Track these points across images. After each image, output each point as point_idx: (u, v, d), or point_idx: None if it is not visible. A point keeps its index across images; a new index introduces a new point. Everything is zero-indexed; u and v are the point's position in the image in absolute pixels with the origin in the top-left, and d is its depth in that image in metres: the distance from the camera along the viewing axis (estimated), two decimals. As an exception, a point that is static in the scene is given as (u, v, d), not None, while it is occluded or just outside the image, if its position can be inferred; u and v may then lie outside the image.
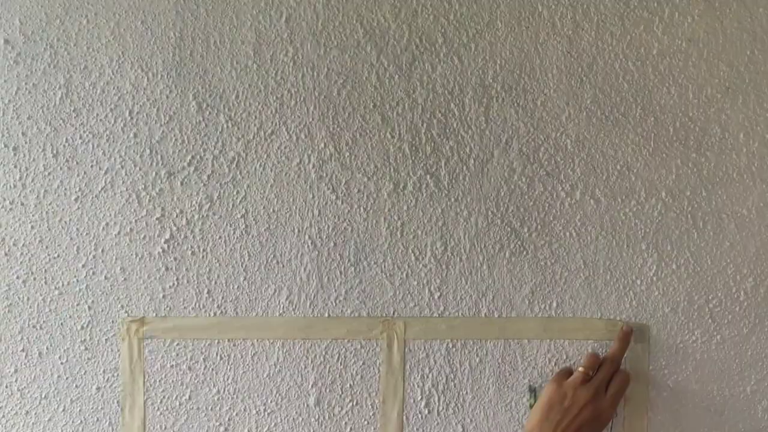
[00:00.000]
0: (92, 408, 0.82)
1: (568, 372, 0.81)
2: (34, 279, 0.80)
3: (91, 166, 0.80)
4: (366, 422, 0.83)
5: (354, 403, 0.83)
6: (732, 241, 0.83)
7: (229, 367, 0.82)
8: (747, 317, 0.84)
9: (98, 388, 0.82)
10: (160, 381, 0.82)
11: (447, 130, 0.81)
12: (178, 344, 0.82)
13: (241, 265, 0.81)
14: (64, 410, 0.82)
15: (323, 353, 0.83)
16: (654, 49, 0.82)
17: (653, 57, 0.82)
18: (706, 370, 0.84)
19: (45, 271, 0.80)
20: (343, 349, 0.83)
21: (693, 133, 0.83)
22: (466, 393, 0.83)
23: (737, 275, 0.84)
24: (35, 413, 0.82)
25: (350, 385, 0.83)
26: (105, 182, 0.80)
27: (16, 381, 0.81)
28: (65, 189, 0.80)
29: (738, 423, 0.85)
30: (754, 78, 0.82)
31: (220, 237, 0.81)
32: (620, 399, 0.81)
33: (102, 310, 0.81)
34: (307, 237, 0.82)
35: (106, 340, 0.81)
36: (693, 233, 0.83)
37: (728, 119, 0.83)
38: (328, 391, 0.83)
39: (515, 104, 0.82)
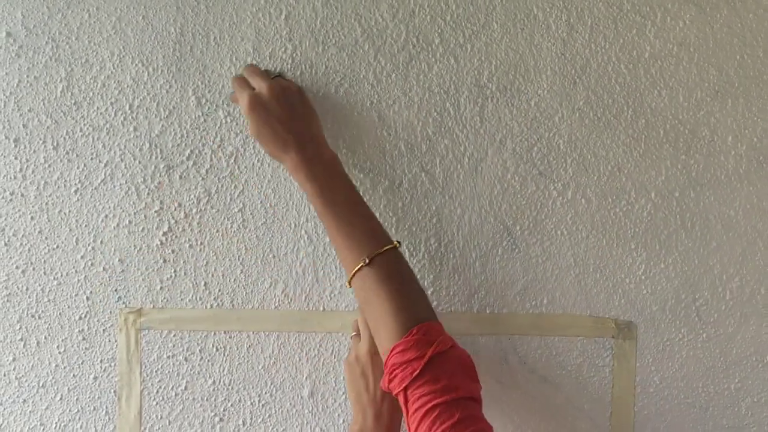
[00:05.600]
0: (89, 397, 0.83)
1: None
2: (33, 269, 0.81)
3: (91, 159, 0.81)
4: (358, 414, 0.84)
5: (347, 395, 0.84)
6: (719, 242, 0.85)
7: (224, 359, 0.83)
8: (733, 316, 0.86)
9: (95, 378, 0.83)
10: (156, 371, 0.83)
11: (442, 129, 0.83)
12: (174, 335, 0.83)
13: (238, 259, 0.83)
14: (61, 399, 0.83)
15: (318, 346, 0.84)
16: (646, 53, 0.83)
17: (645, 60, 0.83)
18: (692, 368, 0.86)
19: (44, 261, 0.81)
20: (338, 343, 0.84)
21: (683, 135, 0.84)
22: (457, 387, 0.85)
23: (724, 275, 0.85)
24: (33, 402, 0.83)
25: (344, 377, 0.84)
26: (104, 175, 0.81)
27: (14, 370, 0.82)
28: (65, 181, 0.81)
29: (722, 419, 0.87)
30: (743, 82, 0.84)
31: (217, 230, 0.82)
32: None
33: (100, 301, 0.82)
34: (303, 231, 0.83)
35: (103, 330, 0.82)
36: (681, 233, 0.85)
37: (717, 122, 0.84)
38: (322, 383, 0.84)
39: (509, 104, 0.83)
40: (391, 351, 0.67)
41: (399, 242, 0.73)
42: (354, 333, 0.80)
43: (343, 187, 0.75)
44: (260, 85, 0.76)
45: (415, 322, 0.68)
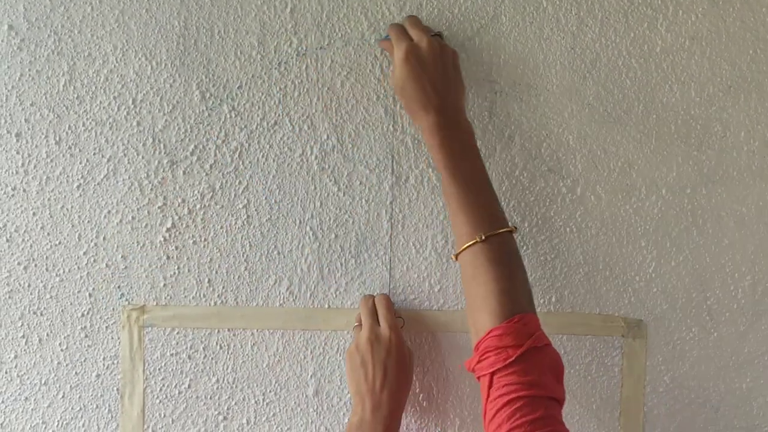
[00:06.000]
0: (92, 395, 0.82)
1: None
2: (36, 266, 0.81)
3: (94, 154, 0.80)
4: (364, 413, 0.84)
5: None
6: (731, 239, 0.84)
7: (228, 357, 0.82)
8: (744, 315, 0.85)
9: (98, 376, 0.82)
10: (159, 369, 0.82)
11: (450, 124, 0.82)
12: (178, 333, 0.82)
13: (242, 255, 0.82)
14: (63, 397, 0.82)
15: (323, 344, 0.83)
16: (657, 47, 0.82)
17: (656, 54, 0.82)
18: (703, 367, 0.85)
19: (46, 257, 0.80)
20: (343, 341, 0.83)
21: (694, 131, 0.83)
22: (465, 386, 0.84)
23: (735, 273, 0.84)
24: (35, 399, 0.82)
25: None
26: (107, 170, 0.80)
27: (16, 367, 0.81)
28: (67, 176, 0.80)
29: (734, 419, 0.86)
30: (756, 77, 0.83)
31: (221, 227, 0.81)
32: None
33: (103, 298, 0.81)
34: (308, 228, 0.82)
35: (106, 327, 0.81)
36: (692, 231, 0.84)
37: (730, 118, 0.83)
38: (327, 381, 0.83)
39: (518, 99, 0.82)
40: (488, 332, 0.66)
41: (516, 227, 0.72)
42: (357, 324, 0.80)
43: (473, 160, 0.74)
44: (420, 38, 0.75)
45: (518, 310, 0.67)
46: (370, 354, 0.76)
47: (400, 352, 0.77)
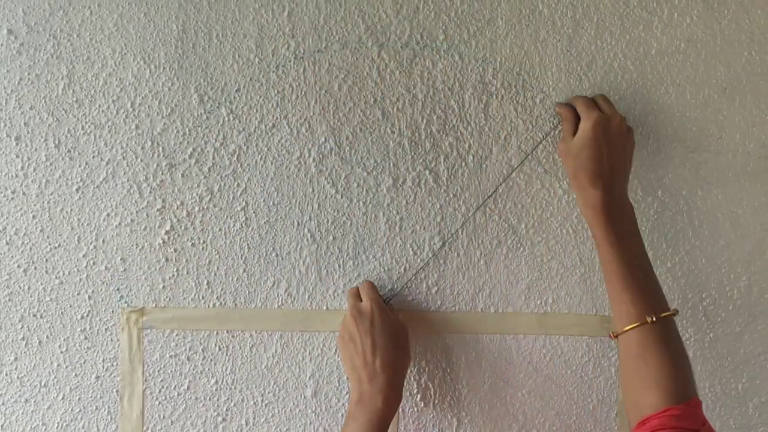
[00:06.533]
0: (91, 397, 0.82)
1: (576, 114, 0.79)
2: (35, 268, 0.81)
3: (93, 157, 0.80)
4: (362, 414, 0.84)
5: (349, 395, 0.84)
6: (727, 241, 0.84)
7: (227, 358, 0.83)
8: (740, 316, 0.85)
9: (97, 377, 0.82)
10: (158, 371, 0.83)
11: (446, 127, 0.82)
12: (177, 335, 0.82)
13: (241, 257, 0.82)
14: (63, 398, 0.82)
15: (321, 345, 0.83)
16: (653, 49, 0.82)
17: (652, 57, 0.82)
18: (699, 367, 0.85)
19: (46, 260, 0.81)
20: (341, 342, 0.83)
21: (690, 132, 0.83)
22: (462, 387, 0.84)
23: (731, 274, 0.85)
24: (35, 401, 0.82)
25: (346, 377, 0.83)
26: (106, 173, 0.81)
27: (15, 369, 0.82)
28: (67, 179, 0.80)
29: (729, 419, 0.86)
30: (752, 79, 0.83)
31: (220, 229, 0.82)
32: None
33: (102, 300, 0.82)
34: (306, 230, 0.82)
35: (105, 329, 0.82)
36: (688, 232, 0.84)
37: (725, 120, 0.83)
38: (325, 382, 0.84)
39: (514, 101, 0.82)
40: (663, 411, 0.67)
41: (677, 310, 0.73)
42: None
43: (638, 240, 0.76)
44: (613, 114, 0.77)
45: (691, 393, 0.69)
46: (356, 327, 0.76)
47: (385, 321, 0.77)
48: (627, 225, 0.76)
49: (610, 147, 0.75)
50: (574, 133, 0.77)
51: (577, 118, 0.77)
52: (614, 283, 0.74)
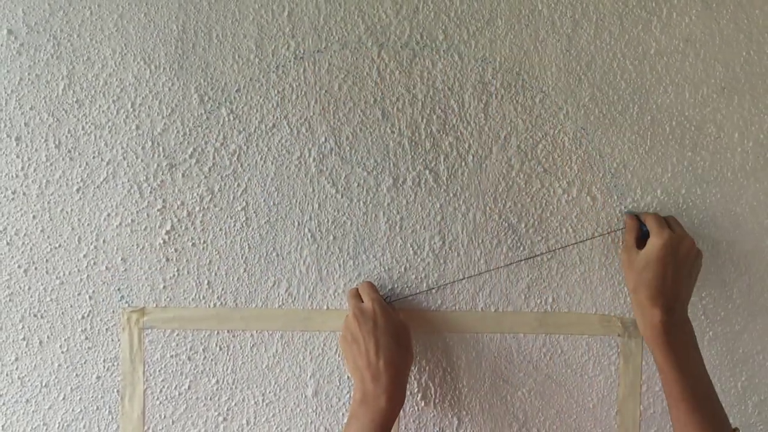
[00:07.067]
0: (92, 397, 0.83)
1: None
2: (36, 268, 0.81)
3: (93, 157, 0.80)
4: (363, 413, 0.84)
5: (351, 394, 0.84)
6: (726, 239, 0.84)
7: (228, 358, 0.83)
8: (739, 314, 0.85)
9: (98, 377, 0.82)
10: (159, 371, 0.83)
11: (446, 126, 0.82)
12: (178, 334, 0.83)
13: (241, 257, 0.82)
14: (64, 398, 0.82)
15: (321, 345, 0.83)
16: (652, 49, 0.83)
17: (651, 56, 0.83)
18: (698, 366, 0.85)
19: (46, 260, 0.81)
20: (341, 342, 0.83)
21: (689, 132, 0.84)
22: (462, 386, 0.84)
23: (731, 273, 0.85)
24: (35, 401, 0.82)
25: (348, 376, 0.84)
26: (107, 173, 0.81)
27: (16, 369, 0.82)
28: (67, 179, 0.80)
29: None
30: (750, 78, 0.83)
31: (220, 229, 0.82)
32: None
33: (103, 300, 0.82)
34: (306, 230, 0.82)
35: (106, 329, 0.82)
36: (687, 231, 0.84)
37: (724, 119, 0.84)
38: (326, 382, 0.84)
39: (514, 101, 0.82)
40: None
41: (737, 429, 0.74)
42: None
43: (699, 360, 0.76)
44: (684, 236, 0.78)
45: None
46: (358, 328, 0.76)
47: (387, 321, 0.77)
48: (689, 345, 0.76)
49: (677, 268, 0.76)
50: (637, 245, 0.79)
51: (640, 231, 0.80)
52: (679, 405, 0.74)
